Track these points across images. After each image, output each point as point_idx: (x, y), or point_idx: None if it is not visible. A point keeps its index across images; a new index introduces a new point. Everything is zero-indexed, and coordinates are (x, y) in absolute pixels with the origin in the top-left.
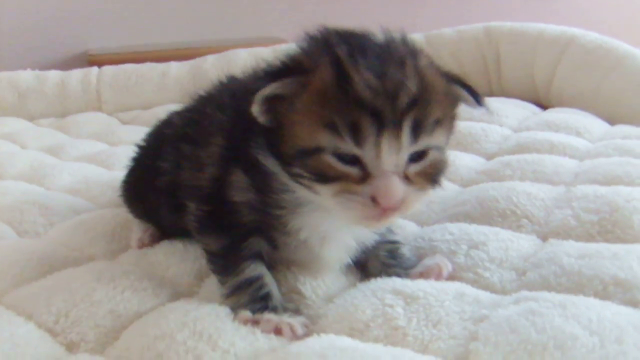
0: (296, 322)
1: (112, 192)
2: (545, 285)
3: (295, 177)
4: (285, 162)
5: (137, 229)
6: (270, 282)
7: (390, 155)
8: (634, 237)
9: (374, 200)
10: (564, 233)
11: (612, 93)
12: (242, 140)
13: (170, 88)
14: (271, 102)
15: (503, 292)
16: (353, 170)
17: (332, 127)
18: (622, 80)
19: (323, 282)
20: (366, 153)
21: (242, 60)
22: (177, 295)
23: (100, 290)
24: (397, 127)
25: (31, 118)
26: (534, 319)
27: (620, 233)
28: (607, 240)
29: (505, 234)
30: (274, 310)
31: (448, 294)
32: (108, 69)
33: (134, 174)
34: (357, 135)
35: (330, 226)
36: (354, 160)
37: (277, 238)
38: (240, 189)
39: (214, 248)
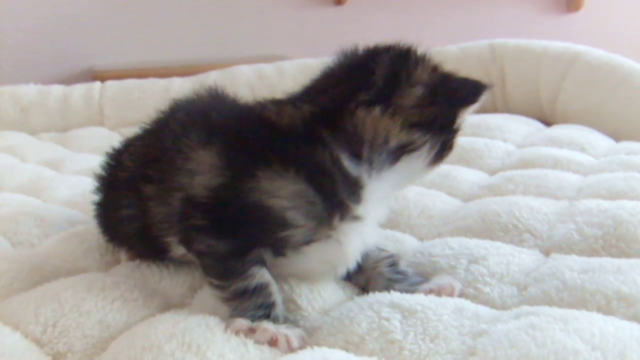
0: (293, 334)
1: None
2: (547, 300)
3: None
4: (451, 146)
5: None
6: (275, 291)
7: None
8: (638, 252)
9: None
10: (567, 247)
11: (617, 110)
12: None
13: None
14: None
15: (503, 307)
16: None
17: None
18: (627, 97)
19: (319, 295)
20: None
21: (245, 77)
22: (168, 306)
23: (89, 301)
24: None
25: (33, 132)
26: (535, 334)
27: (625, 247)
28: (611, 255)
29: (506, 248)
30: (275, 319)
31: (447, 308)
32: (111, 84)
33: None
34: None
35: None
36: None
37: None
38: (289, 193)
39: (222, 250)
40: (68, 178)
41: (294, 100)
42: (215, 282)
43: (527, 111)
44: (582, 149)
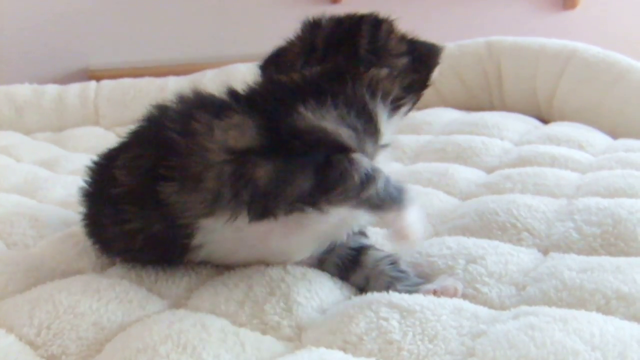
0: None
1: None
2: (546, 300)
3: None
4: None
5: None
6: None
7: None
8: (637, 250)
9: None
10: (565, 246)
11: (614, 107)
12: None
13: None
14: None
15: (502, 307)
16: None
17: None
18: (625, 94)
19: (317, 294)
20: None
21: (242, 75)
22: (164, 307)
23: (84, 302)
24: None
25: (28, 132)
26: (534, 334)
27: (624, 246)
28: (609, 254)
29: (504, 247)
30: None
31: (445, 308)
32: (106, 84)
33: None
34: None
35: None
36: None
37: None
38: (335, 118)
39: (309, 178)
40: (63, 178)
41: (297, 70)
42: (336, 196)
43: (525, 109)
44: (580, 147)
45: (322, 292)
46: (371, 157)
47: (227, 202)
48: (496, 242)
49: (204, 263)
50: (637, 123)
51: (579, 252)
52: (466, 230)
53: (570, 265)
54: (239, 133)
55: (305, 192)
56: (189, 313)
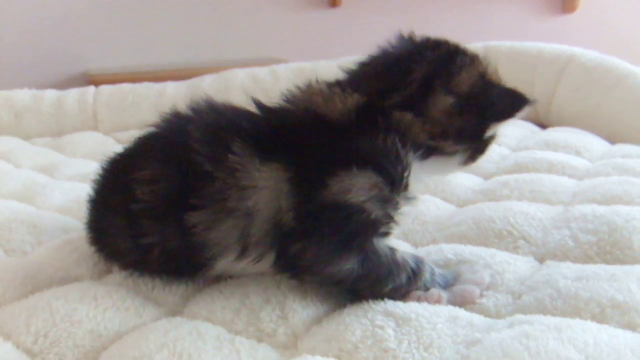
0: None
1: None
2: (541, 308)
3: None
4: (483, 150)
5: None
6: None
7: None
8: (633, 258)
9: None
10: (561, 254)
11: (612, 112)
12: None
13: (166, 108)
14: None
15: (498, 316)
16: None
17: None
18: (623, 99)
19: (312, 301)
20: None
21: (240, 80)
22: (161, 314)
23: (81, 310)
24: None
25: (27, 137)
26: (528, 343)
27: (620, 254)
28: (605, 262)
29: (501, 255)
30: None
31: (441, 316)
32: (105, 89)
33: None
34: None
35: None
36: None
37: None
38: (362, 189)
39: (352, 267)
40: (62, 184)
41: (342, 87)
42: (382, 290)
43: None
44: (577, 152)
45: (317, 299)
46: (396, 209)
47: (257, 248)
48: (493, 250)
49: None
50: (635, 128)
51: (575, 260)
52: (463, 238)
53: (565, 274)
54: (275, 191)
55: (351, 279)
56: (185, 321)
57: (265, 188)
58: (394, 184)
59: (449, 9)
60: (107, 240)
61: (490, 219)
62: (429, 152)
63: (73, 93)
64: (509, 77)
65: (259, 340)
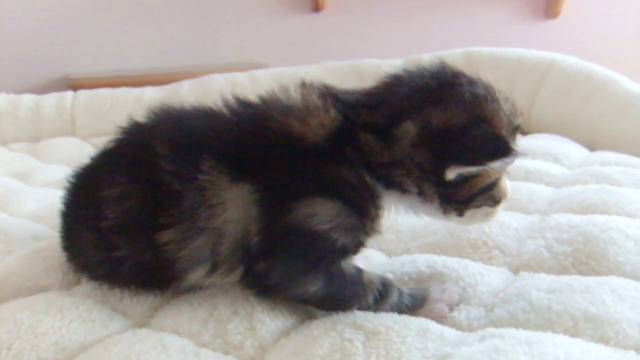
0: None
1: None
2: (514, 322)
3: (466, 210)
4: (460, 201)
5: None
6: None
7: None
8: (608, 269)
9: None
10: (536, 265)
11: (592, 119)
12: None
13: (145, 113)
14: None
15: (470, 329)
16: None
17: (513, 156)
18: (603, 106)
19: (281, 313)
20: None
21: (219, 86)
22: (128, 326)
23: (46, 322)
24: None
25: (4, 142)
26: (498, 358)
27: (595, 265)
28: (581, 273)
29: (475, 267)
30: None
31: (411, 330)
32: (83, 94)
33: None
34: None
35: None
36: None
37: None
38: (326, 218)
39: (315, 289)
40: (36, 191)
41: (328, 99)
42: (349, 310)
43: None
44: (556, 160)
45: (286, 311)
46: (368, 236)
47: (226, 264)
48: (467, 262)
49: None
50: (615, 135)
51: (550, 271)
52: (437, 248)
53: (539, 286)
54: (243, 212)
55: (316, 300)
56: (152, 333)
57: (233, 208)
58: (362, 212)
59: (433, 14)
60: (78, 252)
61: (465, 228)
62: (388, 183)
63: (51, 98)
64: (491, 83)
65: (226, 353)
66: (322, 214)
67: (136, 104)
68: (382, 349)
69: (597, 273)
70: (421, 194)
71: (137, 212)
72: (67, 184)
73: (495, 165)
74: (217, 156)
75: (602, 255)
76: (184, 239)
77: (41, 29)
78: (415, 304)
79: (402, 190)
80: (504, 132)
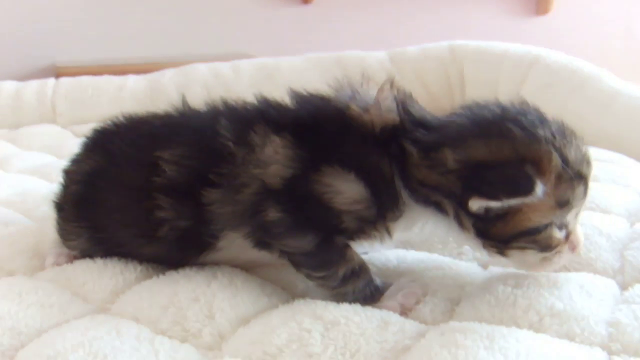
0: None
1: (47, 205)
2: (478, 316)
3: (505, 249)
4: (498, 239)
5: (52, 251)
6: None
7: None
8: (578, 265)
9: (572, 250)
10: (505, 260)
11: (576, 113)
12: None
13: (126, 101)
14: None
15: (434, 322)
16: (562, 234)
17: (565, 204)
18: (586, 101)
19: (242, 301)
20: (573, 214)
21: (201, 75)
22: (87, 311)
23: (3, 307)
24: (589, 187)
25: None
26: (457, 352)
27: None
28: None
29: (443, 260)
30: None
31: (372, 321)
32: (64, 81)
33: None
34: (574, 203)
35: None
36: (563, 225)
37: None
38: (347, 199)
39: (308, 247)
40: (11, 177)
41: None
42: (317, 274)
43: None
44: None
45: (248, 299)
46: (376, 230)
47: (249, 219)
48: (435, 256)
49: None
50: (599, 130)
51: None
52: (407, 243)
53: (506, 280)
54: (277, 164)
55: (301, 254)
56: (109, 319)
57: (271, 160)
58: (382, 208)
59: (422, 9)
60: (97, 216)
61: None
62: (418, 198)
63: (32, 85)
64: (474, 76)
65: (183, 340)
66: (347, 195)
67: (118, 92)
68: (340, 340)
69: (567, 269)
70: (457, 219)
71: (191, 173)
72: (80, 155)
73: (511, 202)
74: (272, 125)
75: None
76: (228, 197)
77: (28, 17)
78: (373, 297)
79: (439, 209)
80: (548, 176)
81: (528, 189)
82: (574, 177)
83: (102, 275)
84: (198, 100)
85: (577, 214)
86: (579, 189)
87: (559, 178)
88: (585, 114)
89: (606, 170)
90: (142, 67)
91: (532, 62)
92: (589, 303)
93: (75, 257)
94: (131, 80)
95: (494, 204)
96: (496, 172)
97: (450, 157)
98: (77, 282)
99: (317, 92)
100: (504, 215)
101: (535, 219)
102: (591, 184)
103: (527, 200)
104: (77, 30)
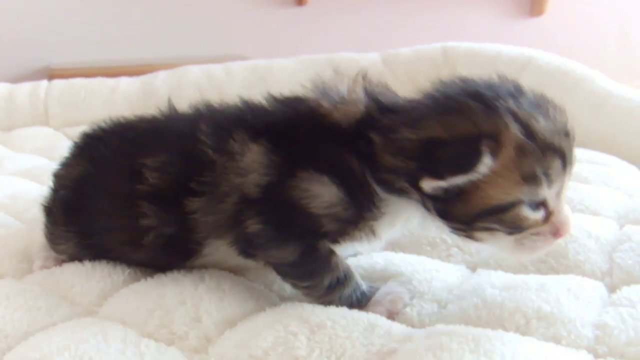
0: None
1: (37, 208)
2: (465, 318)
3: (472, 231)
4: (461, 220)
5: (40, 255)
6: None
7: (566, 190)
8: (567, 268)
9: (555, 234)
10: (494, 263)
11: (569, 115)
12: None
13: (119, 104)
14: None
15: (421, 325)
16: (539, 214)
17: (532, 179)
18: (579, 103)
19: (229, 305)
20: (552, 193)
21: (194, 77)
22: (74, 314)
23: None
24: (571, 163)
25: None
26: (442, 355)
27: (554, 263)
28: (539, 271)
29: (431, 263)
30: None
31: (358, 324)
32: (57, 83)
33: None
34: (549, 180)
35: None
36: (540, 205)
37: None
38: (324, 202)
39: (291, 257)
40: (2, 179)
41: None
42: (302, 283)
43: None
44: None
45: (235, 302)
46: (358, 229)
47: (232, 229)
48: (423, 258)
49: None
50: (590, 132)
51: (508, 269)
52: (396, 246)
53: (494, 283)
54: (254, 173)
55: (285, 265)
56: (95, 322)
57: (249, 169)
58: (360, 207)
59: (416, 10)
60: (86, 221)
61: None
62: (388, 188)
63: (25, 87)
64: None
65: (170, 343)
66: (324, 199)
67: (110, 94)
68: (326, 343)
69: (556, 271)
70: (424, 203)
71: (174, 180)
72: (69, 159)
73: (457, 180)
74: (250, 131)
75: (562, 254)
76: (210, 206)
77: (22, 19)
78: (359, 303)
79: (406, 196)
80: (505, 149)
81: (471, 165)
82: (543, 149)
83: (90, 278)
84: (191, 102)
85: (558, 193)
86: (554, 163)
87: (521, 150)
88: (578, 116)
89: (597, 172)
90: (135, 69)
91: (524, 64)
92: (576, 306)
93: (64, 261)
94: (124, 82)
95: (442, 184)
96: (446, 149)
97: (406, 137)
98: (65, 285)
99: (293, 94)
100: (462, 194)
101: (497, 196)
102: (581, 185)
103: (473, 176)
104: (71, 33)
